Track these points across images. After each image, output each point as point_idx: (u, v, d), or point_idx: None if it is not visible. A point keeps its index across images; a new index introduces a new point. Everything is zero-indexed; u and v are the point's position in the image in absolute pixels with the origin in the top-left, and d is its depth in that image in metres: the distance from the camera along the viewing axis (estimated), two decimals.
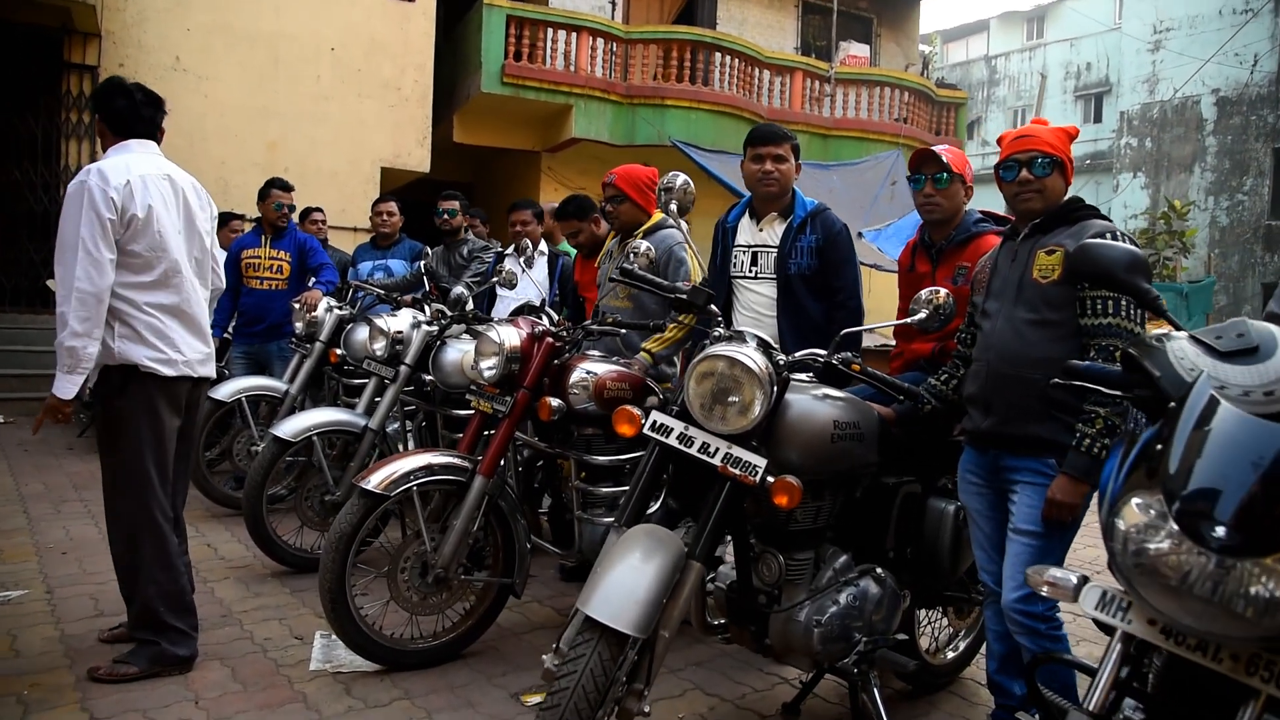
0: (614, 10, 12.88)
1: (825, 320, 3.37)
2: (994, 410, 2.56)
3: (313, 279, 5.39)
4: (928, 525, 2.84)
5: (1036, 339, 2.49)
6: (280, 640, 3.29)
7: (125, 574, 2.88)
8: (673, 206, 2.69)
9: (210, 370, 3.04)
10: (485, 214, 6.93)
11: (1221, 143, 23.95)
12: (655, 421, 2.31)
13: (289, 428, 3.96)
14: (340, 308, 5.20)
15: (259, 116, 9.44)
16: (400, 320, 4.23)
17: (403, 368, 4.15)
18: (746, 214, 3.57)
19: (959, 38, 33.56)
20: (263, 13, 9.51)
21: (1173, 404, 1.49)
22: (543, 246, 5.34)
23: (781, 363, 2.32)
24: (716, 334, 2.39)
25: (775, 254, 3.42)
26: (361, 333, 5.00)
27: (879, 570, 2.68)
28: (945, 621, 3.36)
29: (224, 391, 4.85)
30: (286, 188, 5.59)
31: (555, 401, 3.13)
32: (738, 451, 2.23)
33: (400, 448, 4.37)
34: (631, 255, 3.13)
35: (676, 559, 2.11)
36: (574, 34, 11.39)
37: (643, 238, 3.99)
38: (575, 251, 5.06)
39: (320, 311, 5.15)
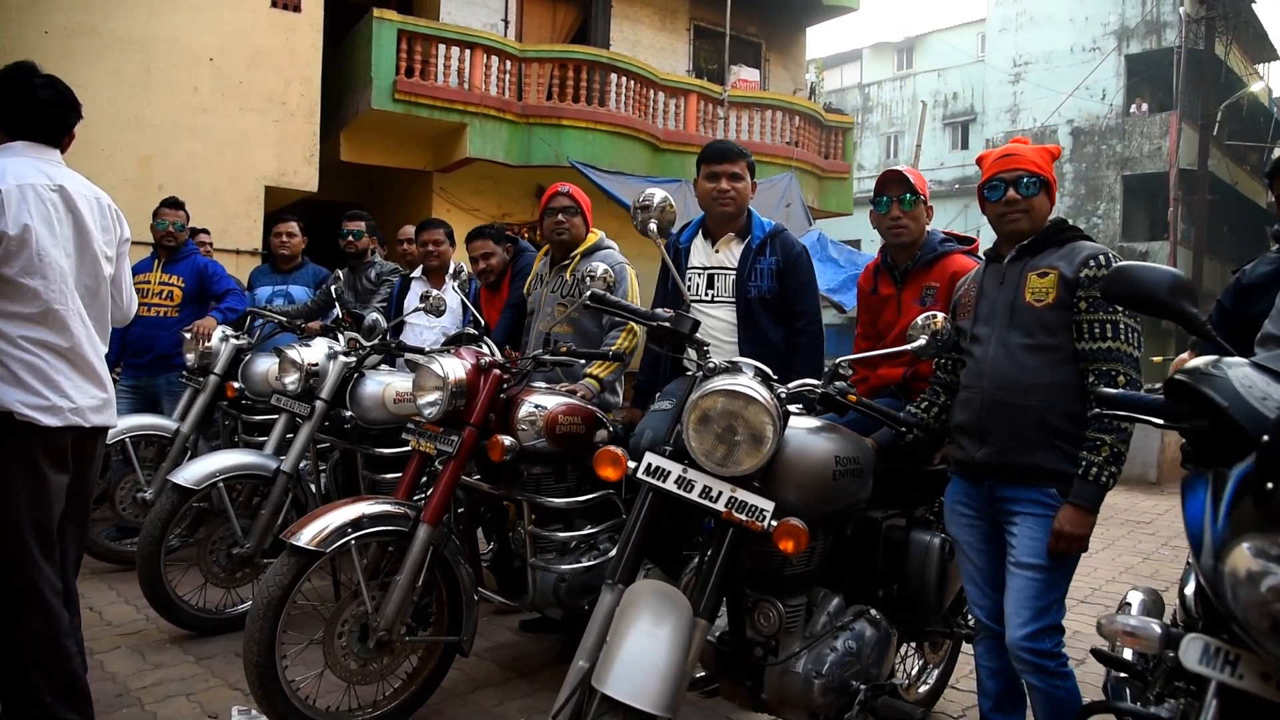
0: (506, 28, 12.61)
1: (786, 346, 3.21)
2: (990, 439, 2.44)
3: (214, 305, 4.91)
4: (912, 560, 2.70)
5: (1034, 364, 2.40)
6: None
7: (3, 662, 2.42)
8: (652, 226, 2.48)
9: (109, 418, 2.61)
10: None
11: (1077, 170, 25.48)
12: (650, 464, 2.08)
13: (191, 474, 3.53)
14: (237, 337, 4.75)
15: (130, 128, 8.71)
16: (314, 351, 3.85)
17: (318, 403, 3.78)
18: (700, 234, 3.39)
19: (833, 66, 34.70)
20: (134, 16, 8.79)
21: (1266, 438, 1.37)
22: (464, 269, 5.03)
23: (783, 395, 2.14)
24: (712, 365, 2.18)
25: (734, 276, 3.25)
26: (263, 364, 4.59)
27: (872, 611, 2.52)
28: (916, 655, 3.23)
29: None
30: (175, 205, 5.09)
31: (508, 440, 2.86)
32: (743, 495, 2.03)
33: (314, 490, 3.97)
34: (589, 278, 2.90)
35: (689, 622, 1.89)
36: (467, 50, 11.06)
37: (583, 258, 3.76)
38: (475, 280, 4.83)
39: (215, 341, 4.69)
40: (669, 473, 2.07)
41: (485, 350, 3.08)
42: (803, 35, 16.28)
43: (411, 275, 4.94)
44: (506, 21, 12.66)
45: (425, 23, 11.00)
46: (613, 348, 3.44)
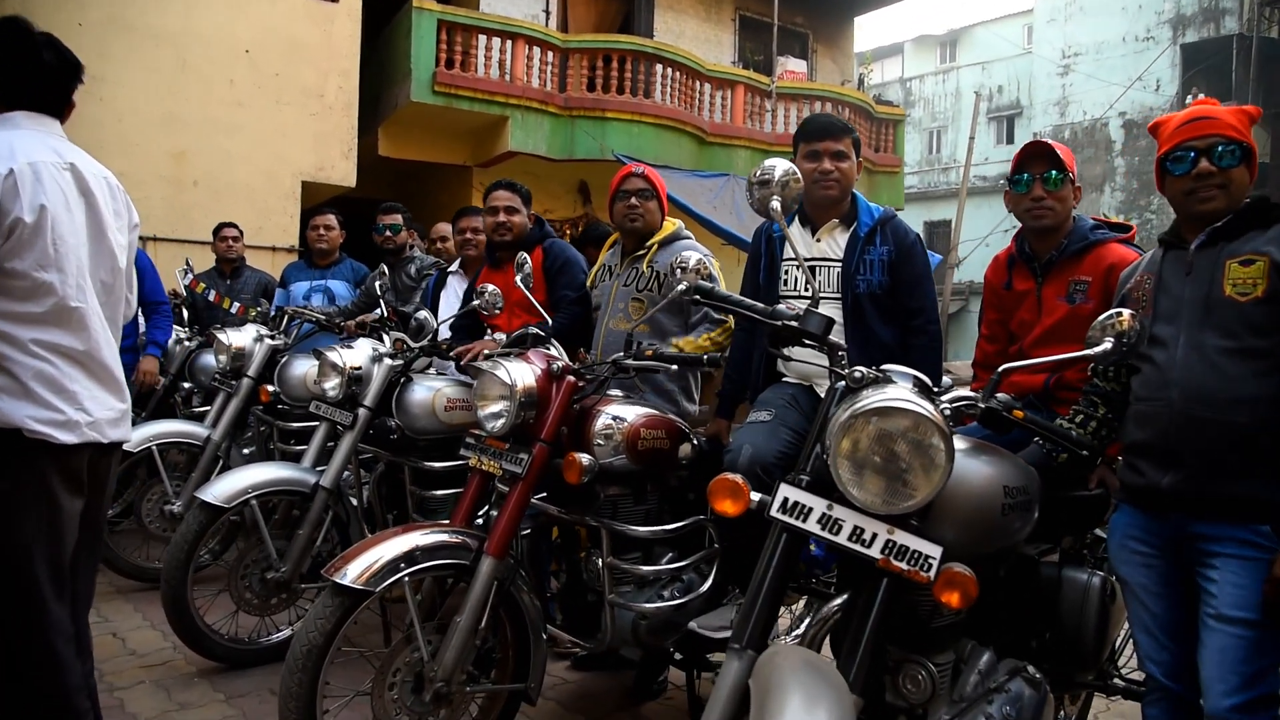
0: (548, 18, 12.24)
1: (900, 349, 2.78)
2: (1182, 464, 1.99)
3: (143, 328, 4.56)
4: (1068, 603, 2.26)
5: (1239, 373, 1.94)
6: None
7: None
8: (775, 204, 2.05)
9: (125, 431, 2.24)
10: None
11: (1129, 164, 24.70)
12: (786, 499, 1.66)
13: (221, 490, 3.16)
14: (272, 336, 4.40)
15: (164, 124, 8.44)
16: (357, 353, 3.47)
17: (361, 411, 3.39)
18: (796, 220, 2.96)
19: (874, 59, 34.02)
20: (169, 9, 8.53)
21: None
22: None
23: (947, 413, 1.71)
24: (859, 374, 1.75)
25: (839, 269, 2.82)
26: (302, 366, 4.23)
27: (1029, 668, 2.08)
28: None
29: (134, 440, 3.99)
30: None
31: (586, 458, 2.44)
32: (903, 538, 1.61)
33: (356, 507, 3.59)
34: (679, 269, 2.49)
35: (849, 704, 1.46)
36: (509, 41, 10.70)
37: (660, 248, 3.35)
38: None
39: (248, 341, 4.34)
40: (810, 510, 1.64)
41: (554, 353, 2.67)
42: (851, 26, 15.76)
43: (449, 269, 4.55)
44: (548, 12, 12.29)
45: (465, 13, 10.65)
46: (706, 351, 3.02)
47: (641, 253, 3.36)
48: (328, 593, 2.24)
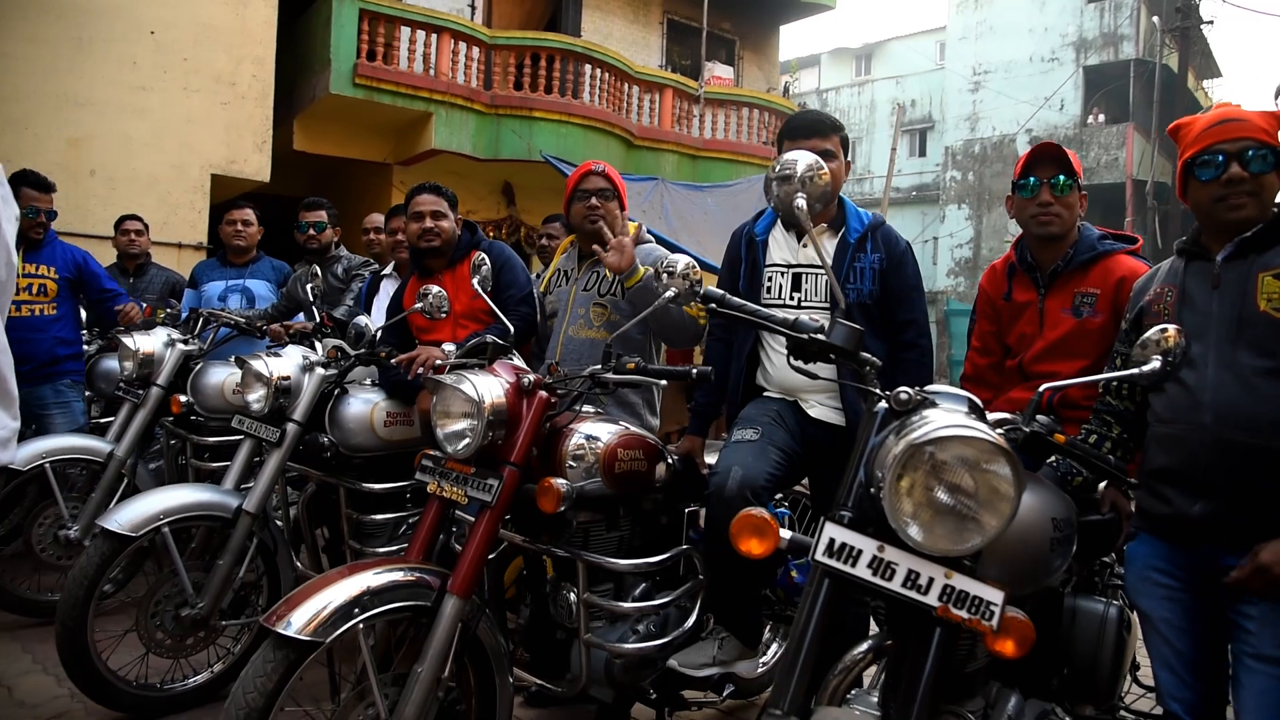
0: (474, 13, 11.86)
1: (889, 363, 2.60)
2: (1215, 492, 1.85)
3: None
4: (1083, 634, 2.10)
5: (1277, 394, 1.82)
6: None
7: None
8: (800, 202, 1.84)
9: (11, 453, 1.88)
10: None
11: None
12: (833, 541, 1.44)
13: (127, 517, 2.79)
14: (185, 341, 3.99)
15: (59, 106, 7.77)
16: (285, 361, 3.13)
17: (290, 426, 3.05)
18: (777, 225, 2.77)
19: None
20: None
21: None
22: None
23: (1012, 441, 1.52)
24: (903, 396, 1.54)
25: (827, 277, 2.63)
26: (218, 375, 3.86)
27: (1057, 710, 1.91)
28: None
29: (21, 457, 3.55)
30: (41, 186, 4.27)
31: (562, 484, 2.18)
32: (962, 583, 1.41)
33: (283, 532, 3.24)
34: (665, 274, 2.26)
35: None
36: (434, 35, 10.29)
37: None
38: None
39: (156, 346, 3.92)
40: (859, 553, 1.43)
41: (521, 364, 2.40)
42: (777, 34, 15.80)
43: (383, 272, 4.21)
44: (474, 6, 11.92)
45: (389, 3, 10.20)
46: (695, 367, 2.78)
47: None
48: (268, 645, 1.91)
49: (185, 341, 3.97)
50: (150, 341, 3.92)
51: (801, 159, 1.90)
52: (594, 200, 3.08)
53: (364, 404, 3.19)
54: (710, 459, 2.86)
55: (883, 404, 1.56)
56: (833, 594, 1.47)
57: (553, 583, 2.47)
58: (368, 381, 3.46)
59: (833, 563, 1.44)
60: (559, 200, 3.54)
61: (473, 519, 2.19)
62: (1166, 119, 20.41)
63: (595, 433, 2.41)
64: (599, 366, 2.34)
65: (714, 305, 1.86)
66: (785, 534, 1.52)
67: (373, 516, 3.14)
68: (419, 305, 2.98)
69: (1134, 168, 23.48)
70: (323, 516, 3.43)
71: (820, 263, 2.65)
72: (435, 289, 2.97)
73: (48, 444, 3.66)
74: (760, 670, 2.78)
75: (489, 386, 2.21)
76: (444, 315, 3.01)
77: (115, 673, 2.87)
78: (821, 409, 2.65)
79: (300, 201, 4.67)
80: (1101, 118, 25.08)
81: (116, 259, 5.37)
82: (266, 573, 3.11)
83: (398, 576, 2.09)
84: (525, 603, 2.65)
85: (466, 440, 2.20)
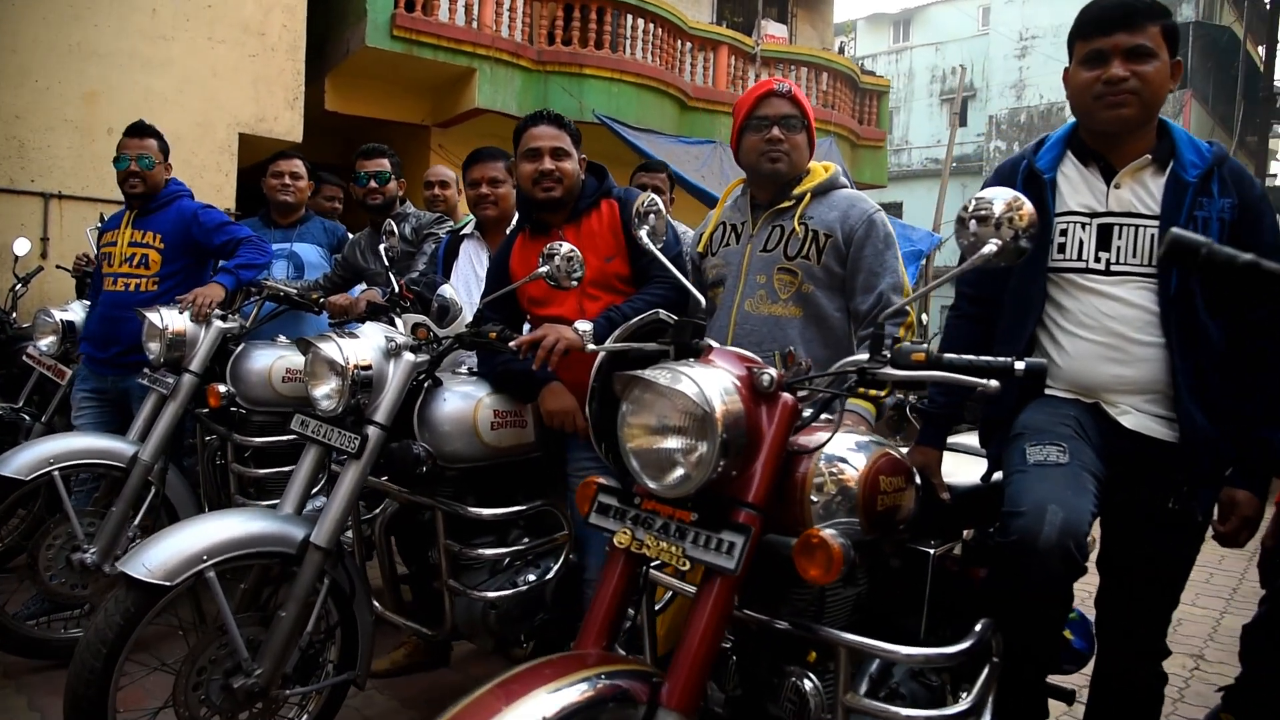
0: None
1: (1235, 354, 1.82)
2: None
3: (220, 265, 3.41)
4: None
5: None
6: None
7: None
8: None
9: None
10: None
11: None
12: None
13: (160, 560, 2.04)
14: (222, 317, 3.24)
15: (72, 56, 6.99)
16: (365, 345, 2.35)
17: (373, 431, 2.29)
18: (1069, 157, 1.96)
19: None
20: None
21: None
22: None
23: None
24: None
25: (1153, 231, 1.83)
26: (263, 358, 3.12)
27: None
28: None
29: (19, 463, 2.82)
30: (143, 132, 3.52)
31: (839, 539, 1.40)
32: None
33: (361, 568, 2.49)
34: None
35: None
36: None
37: (815, 199, 2.32)
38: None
39: (188, 323, 3.17)
40: None
41: (741, 351, 1.61)
42: None
43: (462, 231, 3.41)
44: None
45: None
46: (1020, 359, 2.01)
47: (787, 204, 2.32)
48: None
49: (223, 318, 3.22)
50: (180, 318, 3.17)
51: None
52: (775, 131, 2.28)
53: (464, 400, 2.43)
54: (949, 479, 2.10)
55: None
56: None
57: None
58: (463, 369, 2.69)
59: None
60: (612, 165, 2.81)
61: (686, 588, 1.43)
62: (1226, 85, 19.31)
63: (842, 452, 1.63)
64: (863, 357, 1.54)
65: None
66: None
67: (480, 551, 2.39)
68: (544, 269, 2.19)
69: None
70: (404, 543, 2.69)
71: (1143, 209, 1.86)
72: (567, 246, 2.19)
73: (56, 446, 2.92)
74: None
75: (717, 386, 1.42)
76: (575, 283, 2.23)
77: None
78: (1139, 417, 1.86)
79: (326, 169, 3.92)
80: None
81: None
82: (341, 622, 2.36)
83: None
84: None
85: (684, 473, 1.42)
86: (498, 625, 2.47)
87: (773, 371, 1.50)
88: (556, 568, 2.52)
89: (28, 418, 3.86)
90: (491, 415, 2.44)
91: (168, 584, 2.02)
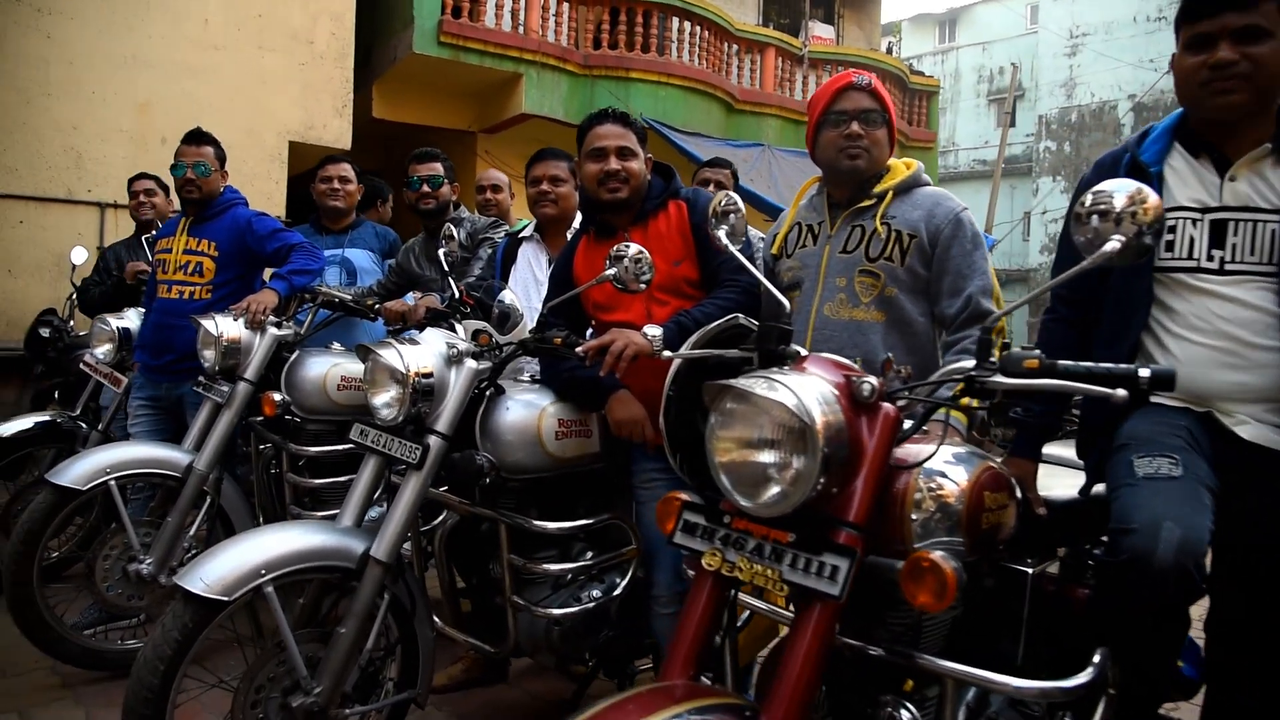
0: None
1: None
2: None
3: (270, 273, 3.37)
4: None
5: None
6: None
7: None
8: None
9: None
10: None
11: None
12: None
13: (218, 574, 1.97)
14: (277, 324, 3.19)
15: (125, 68, 7.09)
16: (425, 352, 2.27)
17: (434, 441, 2.20)
18: (1177, 148, 1.82)
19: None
20: None
21: None
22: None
23: None
24: None
25: (1275, 225, 1.69)
26: (318, 366, 3.06)
27: None
28: None
29: (76, 473, 2.78)
30: (200, 139, 3.49)
31: (950, 561, 1.28)
32: None
33: (421, 582, 2.41)
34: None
35: None
36: None
37: (898, 197, 2.20)
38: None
39: (242, 330, 3.13)
40: None
41: (837, 358, 1.50)
42: None
43: (521, 234, 3.33)
44: None
45: None
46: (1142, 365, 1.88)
47: (868, 203, 2.19)
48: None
49: (278, 325, 3.18)
50: (234, 325, 3.12)
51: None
52: (855, 126, 2.16)
53: (528, 409, 2.34)
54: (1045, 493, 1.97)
55: None
56: None
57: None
58: (525, 377, 2.61)
59: None
60: None
61: (782, 613, 1.31)
62: None
63: (941, 466, 1.51)
64: (966, 364, 1.42)
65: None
66: None
67: (545, 566, 2.29)
68: (611, 271, 2.10)
69: None
70: (462, 556, 2.60)
71: (1262, 203, 1.72)
72: (635, 247, 2.09)
73: (112, 456, 2.89)
74: None
75: (817, 396, 1.31)
76: (643, 286, 2.13)
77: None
78: (1259, 428, 1.72)
79: (371, 175, 3.87)
80: None
81: (134, 229, 4.62)
82: (401, 639, 2.28)
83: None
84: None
85: (781, 490, 1.31)
86: (561, 643, 2.38)
87: (874, 380, 1.38)
88: (624, 584, 2.40)
89: (84, 426, 3.85)
90: (556, 424, 2.35)
91: (225, 599, 1.95)
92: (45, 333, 4.76)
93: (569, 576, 2.40)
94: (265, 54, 7.74)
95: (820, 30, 13.16)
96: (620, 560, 2.44)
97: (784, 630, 1.60)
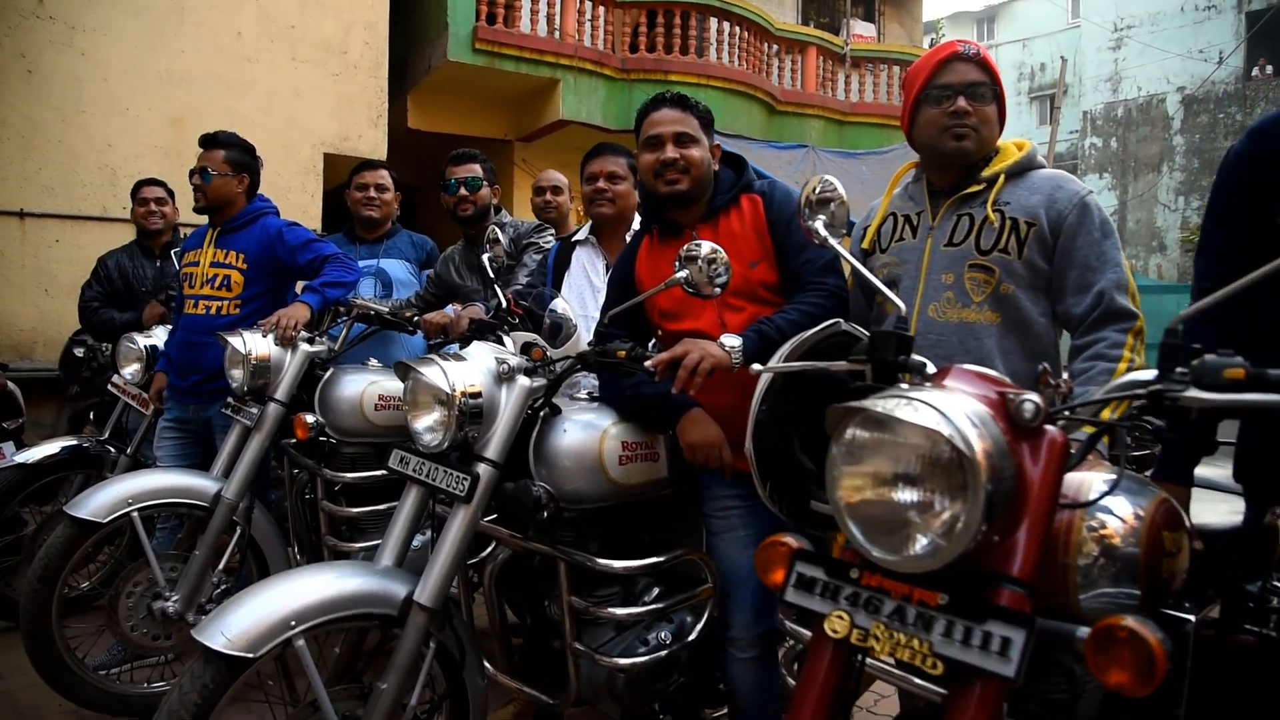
0: None
1: None
2: None
3: (301, 286, 3.15)
4: None
5: None
6: None
7: None
8: None
9: None
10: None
11: (1189, 142, 23.28)
12: None
13: (242, 629, 1.72)
14: (309, 340, 2.96)
15: (159, 83, 6.98)
16: (472, 369, 2.01)
17: (484, 469, 1.94)
18: None
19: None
20: None
21: None
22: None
23: None
24: None
25: None
26: (355, 384, 2.82)
27: None
28: None
29: (96, 504, 2.57)
30: (210, 143, 3.30)
31: (1151, 628, 0.99)
32: None
33: (469, 627, 2.16)
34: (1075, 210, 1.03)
35: None
36: None
37: (1010, 180, 1.90)
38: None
39: (272, 347, 2.90)
40: None
41: (984, 370, 1.22)
42: None
43: (574, 238, 3.07)
44: None
45: None
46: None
47: (975, 189, 1.90)
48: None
49: (310, 340, 2.95)
50: (263, 341, 2.90)
51: None
52: (961, 101, 1.87)
53: (587, 430, 2.07)
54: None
55: None
56: None
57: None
58: (581, 394, 2.35)
59: None
60: None
61: (933, 689, 1.03)
62: None
63: (1114, 504, 1.22)
64: (1147, 375, 1.13)
65: None
66: None
67: (610, 610, 2.02)
68: (681, 274, 1.83)
69: None
70: (511, 592, 2.34)
71: None
72: (708, 245, 1.83)
73: (135, 485, 2.67)
74: None
75: (973, 419, 1.03)
76: (718, 290, 1.86)
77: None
78: None
79: (406, 188, 3.65)
80: (1269, 69, 22.41)
81: (136, 236, 4.41)
82: (449, 692, 2.02)
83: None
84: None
85: (931, 540, 1.02)
86: (627, 692, 2.11)
87: (1036, 398, 1.10)
88: (700, 627, 2.13)
89: (113, 450, 3.66)
90: (620, 447, 2.08)
91: (250, 655, 1.71)
92: (79, 353, 4.59)
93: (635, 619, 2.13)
94: (299, 65, 7.60)
95: (861, 28, 12.84)
96: (694, 599, 2.17)
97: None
